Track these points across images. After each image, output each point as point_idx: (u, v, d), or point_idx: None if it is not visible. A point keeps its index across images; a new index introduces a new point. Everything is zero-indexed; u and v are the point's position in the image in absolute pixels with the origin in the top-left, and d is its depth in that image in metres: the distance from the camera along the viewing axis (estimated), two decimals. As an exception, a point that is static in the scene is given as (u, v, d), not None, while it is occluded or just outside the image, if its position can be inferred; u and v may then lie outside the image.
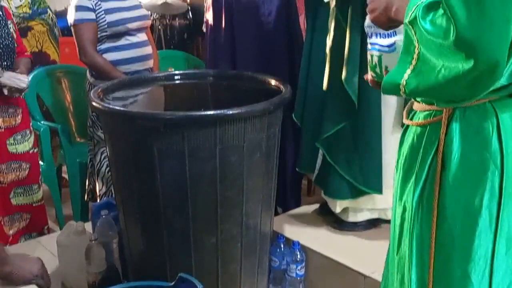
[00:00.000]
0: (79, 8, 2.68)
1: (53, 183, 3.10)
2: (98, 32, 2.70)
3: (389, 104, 2.24)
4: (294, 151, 2.74)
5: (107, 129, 2.06)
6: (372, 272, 2.04)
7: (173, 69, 3.00)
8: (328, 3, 2.27)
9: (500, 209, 1.15)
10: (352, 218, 2.39)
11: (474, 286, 1.18)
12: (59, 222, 3.07)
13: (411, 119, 1.29)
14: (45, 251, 2.32)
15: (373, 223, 2.42)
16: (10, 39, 2.46)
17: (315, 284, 2.26)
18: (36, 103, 3.17)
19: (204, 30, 3.04)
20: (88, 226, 2.31)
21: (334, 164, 2.31)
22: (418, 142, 1.24)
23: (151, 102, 2.49)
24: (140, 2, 3.01)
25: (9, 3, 3.32)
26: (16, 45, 2.52)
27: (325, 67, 2.30)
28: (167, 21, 4.46)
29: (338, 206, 2.38)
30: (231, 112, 1.79)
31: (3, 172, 2.52)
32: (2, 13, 2.49)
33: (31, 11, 3.49)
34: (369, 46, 1.40)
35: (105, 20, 2.68)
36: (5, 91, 2.39)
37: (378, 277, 1.81)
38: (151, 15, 4.19)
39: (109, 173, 2.53)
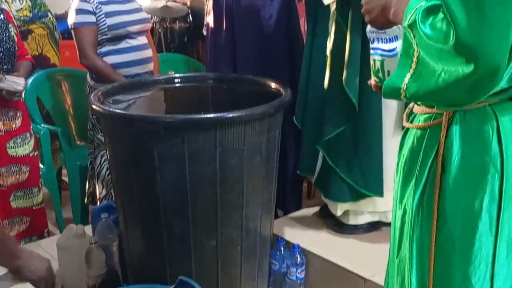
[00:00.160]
0: (79, 11, 2.68)
1: (53, 186, 3.10)
2: (99, 35, 2.69)
3: (390, 106, 2.23)
4: (295, 154, 2.74)
5: (107, 132, 2.06)
6: (372, 275, 2.03)
7: (173, 72, 3.00)
8: (328, 6, 2.27)
9: (500, 212, 1.15)
10: (352, 221, 2.39)
11: (475, 290, 1.18)
12: (59, 225, 3.07)
13: (411, 122, 1.28)
14: (45, 254, 2.30)
15: (374, 226, 2.41)
16: (11, 42, 2.46)
17: (315, 287, 2.26)
18: (36, 106, 3.16)
19: (205, 33, 3.05)
20: (88, 229, 2.31)
21: (334, 166, 2.31)
22: (418, 145, 1.24)
23: (151, 105, 2.49)
24: (140, 5, 3.01)
25: (9, 6, 3.33)
26: (17, 48, 2.52)
27: (325, 70, 2.30)
28: (168, 24, 4.46)
29: (338, 209, 2.38)
30: (231, 115, 1.79)
31: (3, 175, 2.52)
32: (4, 17, 2.49)
33: (31, 14, 3.49)
34: (371, 51, 1.39)
35: (106, 23, 2.68)
36: (4, 93, 2.40)
37: (379, 280, 1.81)
38: (151, 18, 4.20)
39: (109, 176, 2.53)
